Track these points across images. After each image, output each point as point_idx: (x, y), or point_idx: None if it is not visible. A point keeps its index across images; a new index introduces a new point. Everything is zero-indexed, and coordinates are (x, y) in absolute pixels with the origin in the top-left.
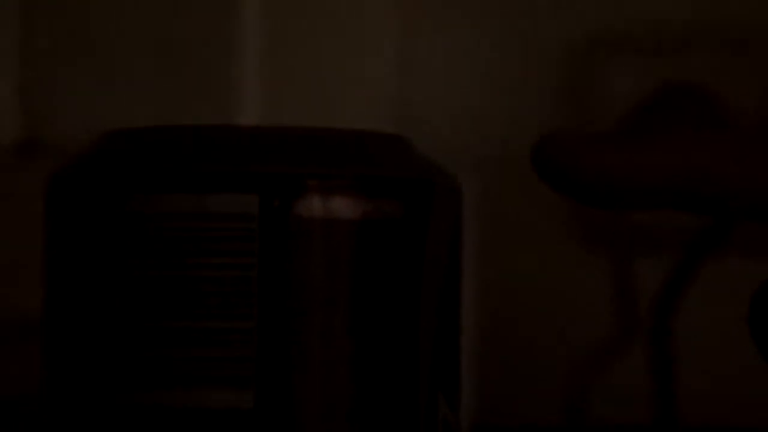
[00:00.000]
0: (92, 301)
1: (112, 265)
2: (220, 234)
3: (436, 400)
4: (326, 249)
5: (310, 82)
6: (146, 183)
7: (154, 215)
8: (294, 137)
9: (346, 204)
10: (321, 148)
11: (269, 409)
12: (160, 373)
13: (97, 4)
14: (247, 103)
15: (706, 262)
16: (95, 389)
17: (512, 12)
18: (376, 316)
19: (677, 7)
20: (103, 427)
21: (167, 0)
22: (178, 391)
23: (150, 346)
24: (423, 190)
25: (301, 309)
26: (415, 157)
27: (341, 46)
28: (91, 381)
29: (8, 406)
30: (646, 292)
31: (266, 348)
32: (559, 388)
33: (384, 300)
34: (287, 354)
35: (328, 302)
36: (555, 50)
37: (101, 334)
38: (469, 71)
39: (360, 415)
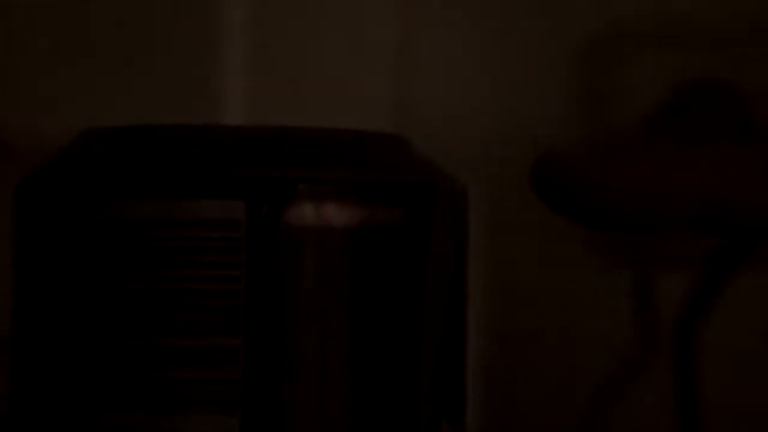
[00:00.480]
0: (64, 317)
1: (84, 277)
2: (203, 243)
3: (439, 423)
4: (319, 260)
5: (303, 81)
6: (122, 187)
7: (131, 223)
8: (284, 138)
9: (340, 211)
10: (313, 150)
11: None
12: (137, 395)
13: (74, 1)
14: (235, 103)
15: (733, 275)
16: (67, 413)
17: (515, 11)
18: (374, 334)
19: (687, 2)
20: None
21: None
22: (157, 415)
23: (126, 366)
24: (425, 195)
25: (292, 325)
26: (415, 159)
27: (337, 46)
28: (64, 404)
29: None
30: (668, 305)
31: (254, 368)
32: (573, 407)
33: (383, 316)
34: (277, 375)
35: (321, 318)
36: (560, 49)
37: (74, 353)
38: (471, 71)
39: None
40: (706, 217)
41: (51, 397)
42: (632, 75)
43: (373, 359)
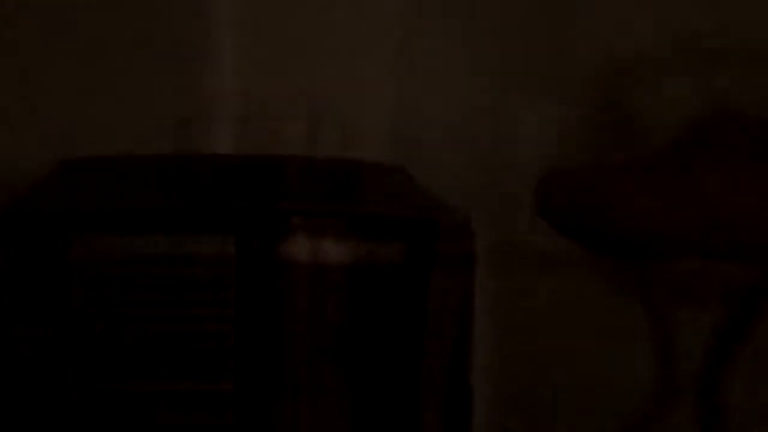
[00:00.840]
0: (42, 359)
1: (63, 319)
2: (191, 280)
3: None
4: (314, 298)
5: (302, 81)
6: (103, 222)
7: (113, 260)
8: (277, 168)
9: (336, 246)
10: (308, 181)
11: None
12: None
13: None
14: (233, 103)
15: (764, 314)
16: None
17: (522, 18)
18: (372, 377)
19: (707, 23)
20: None
21: (138, 3)
22: None
23: (111, 412)
24: (427, 231)
25: (286, 368)
26: (416, 190)
27: (337, 45)
28: None
29: None
30: (689, 347)
31: (246, 413)
32: None
33: (381, 358)
34: (270, 420)
35: (316, 360)
36: (574, 64)
37: (53, 398)
38: (472, 73)
39: None
40: (715, 239)
41: None
42: (652, 97)
43: (372, 403)
